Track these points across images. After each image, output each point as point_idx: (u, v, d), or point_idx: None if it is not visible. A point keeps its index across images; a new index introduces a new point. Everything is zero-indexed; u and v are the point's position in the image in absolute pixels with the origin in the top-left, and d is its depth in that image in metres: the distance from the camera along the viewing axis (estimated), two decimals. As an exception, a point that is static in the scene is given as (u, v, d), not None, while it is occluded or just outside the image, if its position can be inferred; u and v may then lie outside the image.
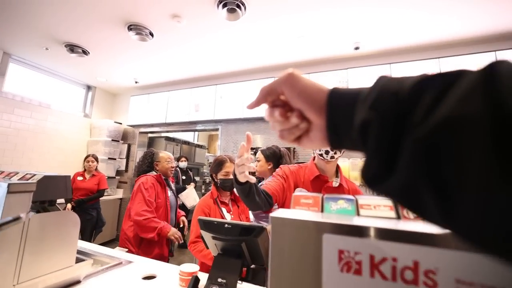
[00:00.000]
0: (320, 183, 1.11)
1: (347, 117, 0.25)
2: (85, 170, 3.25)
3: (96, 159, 3.31)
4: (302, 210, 0.42)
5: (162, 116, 4.07)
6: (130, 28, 2.63)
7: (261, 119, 3.51)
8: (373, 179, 0.21)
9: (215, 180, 1.61)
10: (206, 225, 0.87)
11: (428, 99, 0.18)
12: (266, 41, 2.89)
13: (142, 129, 4.50)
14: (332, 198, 0.42)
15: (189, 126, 4.05)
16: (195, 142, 5.89)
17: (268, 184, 1.10)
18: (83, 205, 2.96)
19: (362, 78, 2.92)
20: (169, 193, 2.09)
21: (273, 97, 0.33)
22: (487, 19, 2.35)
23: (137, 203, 1.81)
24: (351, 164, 2.72)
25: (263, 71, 3.60)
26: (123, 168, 4.53)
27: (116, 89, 4.80)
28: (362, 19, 2.41)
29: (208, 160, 5.75)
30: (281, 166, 1.21)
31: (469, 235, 0.15)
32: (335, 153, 1.04)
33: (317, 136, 0.30)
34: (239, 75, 3.76)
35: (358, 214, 0.39)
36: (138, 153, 4.51)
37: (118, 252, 1.39)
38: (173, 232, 1.82)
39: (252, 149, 3.44)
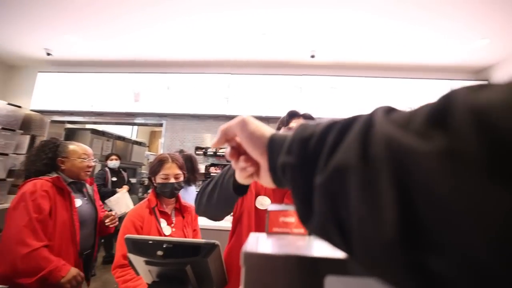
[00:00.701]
0: (282, 191, 1.02)
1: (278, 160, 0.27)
2: None
3: None
4: (284, 236, 0.33)
5: (87, 103, 3.30)
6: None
7: (212, 117, 3.27)
8: (301, 219, 0.23)
9: (154, 184, 1.33)
10: (136, 247, 0.67)
11: (328, 145, 0.20)
12: (226, 34, 2.70)
13: (57, 117, 3.54)
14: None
15: (125, 118, 3.42)
16: (133, 138, 5.04)
17: None
18: None
19: (315, 86, 3.08)
20: (80, 202, 1.45)
21: (230, 137, 0.36)
22: (436, 51, 2.84)
23: (15, 225, 1.19)
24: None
25: (220, 66, 3.36)
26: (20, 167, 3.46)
27: (14, 60, 3.62)
28: (319, 28, 2.53)
29: (148, 159, 5.02)
30: None
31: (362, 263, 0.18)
32: None
33: (266, 176, 0.31)
34: (192, 66, 3.41)
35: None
36: (47, 147, 3.54)
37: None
38: (71, 277, 1.21)
39: (201, 148, 3.17)
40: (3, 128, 3.31)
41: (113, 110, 3.26)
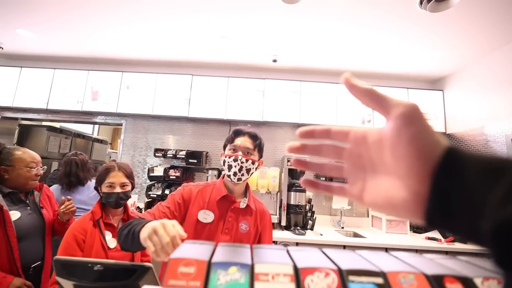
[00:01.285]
0: (226, 204, 1.05)
1: (475, 200, 0.18)
2: None
3: None
4: None
5: (43, 101, 3.15)
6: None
7: (173, 118, 3.21)
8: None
9: (100, 194, 1.29)
10: (65, 269, 0.64)
11: None
12: (186, 36, 2.66)
13: (8, 114, 3.36)
14: (222, 265, 0.32)
15: (83, 117, 3.29)
16: (94, 135, 4.86)
17: (154, 213, 0.96)
18: None
19: (277, 91, 3.08)
20: (18, 215, 1.30)
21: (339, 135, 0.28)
22: (396, 61, 2.91)
23: None
24: (260, 173, 2.80)
25: (181, 66, 3.31)
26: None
27: (-36, 53, 3.41)
28: (281, 33, 2.53)
29: (110, 157, 4.86)
30: (183, 184, 1.09)
31: None
32: (242, 175, 1.02)
33: (400, 209, 0.22)
34: (153, 66, 3.34)
35: (251, 288, 0.30)
36: (-3, 145, 3.34)
37: None
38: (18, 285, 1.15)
39: (160, 150, 3.10)
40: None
41: (70, 109, 3.12)
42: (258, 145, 1.06)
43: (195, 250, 0.36)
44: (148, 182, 3.03)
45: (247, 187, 1.13)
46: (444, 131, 3.07)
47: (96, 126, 5.34)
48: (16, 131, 3.52)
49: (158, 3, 2.17)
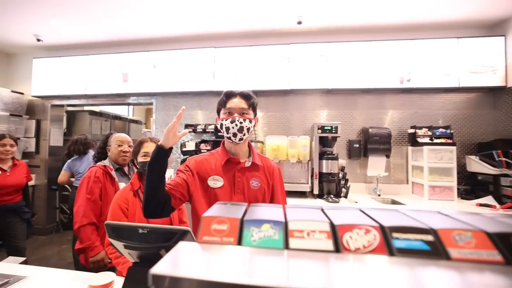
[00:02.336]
0: (232, 166, 1.07)
1: None
2: None
3: (15, 140, 2.31)
4: (211, 246, 0.30)
5: (81, 86, 3.38)
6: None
7: (200, 94, 3.24)
8: None
9: (136, 166, 1.39)
10: (115, 232, 0.70)
11: None
12: (207, 5, 2.55)
13: (56, 101, 3.69)
14: (255, 222, 0.31)
15: (117, 99, 3.48)
16: (130, 116, 5.18)
17: (171, 181, 1.02)
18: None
19: (304, 55, 2.90)
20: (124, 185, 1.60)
21: None
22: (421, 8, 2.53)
23: (76, 203, 1.52)
24: (289, 142, 2.75)
25: (202, 39, 3.25)
26: (32, 149, 3.71)
27: (10, 48, 3.73)
28: None
29: (146, 136, 5.20)
30: (188, 158, 1.14)
31: None
32: (243, 135, 1.03)
33: None
34: (176, 42, 3.32)
35: (287, 245, 0.29)
36: (52, 131, 3.73)
37: (9, 266, 1.09)
38: (98, 259, 1.43)
39: (190, 125, 3.19)
40: (11, 115, 3.53)
41: (105, 92, 3.31)
42: (252, 104, 1.06)
43: (227, 210, 0.36)
44: (182, 157, 3.19)
45: (249, 146, 1.13)
46: (505, 85, 2.65)
47: (131, 108, 5.66)
48: (64, 117, 3.88)
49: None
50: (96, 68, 3.34)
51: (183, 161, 3.10)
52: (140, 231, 0.69)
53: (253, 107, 1.07)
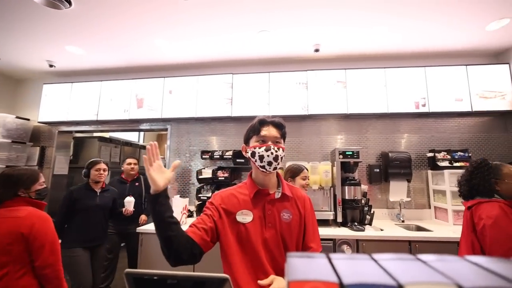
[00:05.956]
0: (261, 199, 1.01)
1: None
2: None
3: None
4: None
5: (92, 112, 3.30)
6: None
7: (216, 119, 3.21)
8: None
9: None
10: (139, 284, 0.61)
11: None
12: (224, 33, 2.60)
13: (64, 128, 3.58)
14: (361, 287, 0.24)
15: (129, 125, 3.41)
16: (140, 142, 5.07)
17: (195, 222, 0.95)
18: None
19: (321, 82, 2.95)
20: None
21: None
22: (427, 36, 2.65)
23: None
24: (311, 168, 2.71)
25: (221, 66, 3.28)
26: (34, 176, 3.53)
27: (20, 73, 3.67)
28: (323, 20, 2.38)
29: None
30: (213, 195, 1.08)
31: None
32: (278, 164, 0.98)
33: None
34: (193, 68, 3.34)
35: None
36: (57, 158, 3.58)
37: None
38: None
39: (207, 152, 3.12)
40: (13, 141, 3.38)
41: (117, 118, 3.25)
42: (284, 133, 1.03)
43: (311, 267, 0.28)
44: (198, 185, 3.09)
45: (278, 176, 1.08)
46: (513, 109, 2.75)
47: (142, 134, 5.57)
48: (71, 144, 3.75)
49: (199, 8, 2.15)
50: (109, 93, 3.30)
51: (199, 189, 3.00)
52: (169, 281, 0.60)
53: (284, 137, 1.04)
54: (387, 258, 0.29)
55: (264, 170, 0.98)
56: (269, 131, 0.99)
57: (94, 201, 2.24)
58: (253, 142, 1.01)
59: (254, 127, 1.02)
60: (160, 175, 0.87)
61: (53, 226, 1.36)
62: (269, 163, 0.96)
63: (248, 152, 1.02)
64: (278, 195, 1.02)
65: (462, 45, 2.84)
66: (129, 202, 2.48)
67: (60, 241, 1.39)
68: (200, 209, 2.85)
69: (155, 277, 0.62)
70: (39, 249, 1.27)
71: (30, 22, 2.41)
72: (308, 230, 1.04)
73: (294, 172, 1.96)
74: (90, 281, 2.16)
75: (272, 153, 0.96)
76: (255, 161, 0.98)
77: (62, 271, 1.35)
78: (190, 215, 2.90)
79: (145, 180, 2.87)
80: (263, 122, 1.01)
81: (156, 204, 0.85)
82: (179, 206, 2.62)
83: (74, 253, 2.09)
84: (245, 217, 0.96)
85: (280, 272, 0.92)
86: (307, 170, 2.00)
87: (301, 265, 0.27)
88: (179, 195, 2.94)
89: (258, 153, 0.97)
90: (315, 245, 1.03)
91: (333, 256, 0.30)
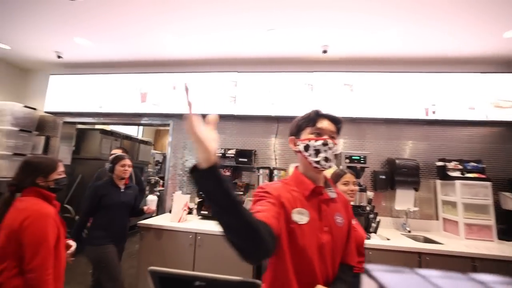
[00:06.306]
0: (316, 197, 0.88)
1: None
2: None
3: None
4: None
5: (96, 104, 3.31)
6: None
7: (222, 117, 3.15)
8: None
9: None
10: (164, 284, 0.55)
11: None
12: (232, 30, 2.57)
13: (68, 118, 3.59)
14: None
15: (132, 118, 3.40)
16: (139, 137, 5.07)
17: (258, 209, 0.78)
18: None
19: (327, 84, 2.88)
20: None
21: None
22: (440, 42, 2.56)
23: None
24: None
25: (226, 63, 3.24)
26: (37, 166, 3.54)
27: (28, 63, 3.71)
28: (332, 21, 2.32)
29: (154, 158, 5.03)
30: (260, 185, 0.91)
31: None
32: (332, 160, 0.86)
33: None
34: (198, 65, 3.31)
35: None
36: (61, 148, 3.58)
37: None
38: None
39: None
40: (20, 130, 3.41)
41: (120, 111, 3.24)
42: (339, 129, 0.92)
43: (411, 285, 0.22)
44: (198, 182, 3.02)
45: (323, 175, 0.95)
46: (529, 120, 2.61)
47: (140, 129, 5.57)
48: (74, 135, 3.76)
49: (207, 3, 2.12)
50: (114, 86, 3.30)
51: (198, 186, 2.93)
52: (197, 283, 0.54)
53: (339, 133, 0.92)
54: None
55: (319, 166, 0.85)
56: (325, 124, 0.88)
57: (119, 198, 2.16)
58: (306, 134, 0.89)
59: (309, 117, 0.90)
60: (210, 135, 0.59)
61: (49, 224, 1.21)
62: (326, 159, 0.84)
63: (299, 145, 0.89)
64: (333, 195, 0.90)
65: (477, 52, 2.73)
66: (152, 201, 2.42)
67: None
68: (201, 206, 2.77)
69: (183, 278, 0.57)
70: (25, 248, 1.13)
71: (42, 12, 2.43)
72: (349, 239, 0.93)
73: (335, 178, 1.74)
74: (122, 276, 2.11)
75: (330, 148, 0.85)
76: (309, 155, 0.86)
77: (51, 283, 1.15)
78: (189, 212, 2.85)
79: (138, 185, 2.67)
80: (320, 114, 0.90)
81: (221, 180, 0.58)
82: (181, 202, 2.58)
83: (107, 249, 2.04)
84: (302, 216, 0.83)
85: (326, 284, 0.81)
86: (352, 174, 1.71)
87: (399, 282, 0.22)
88: (180, 192, 2.89)
89: (314, 146, 0.85)
90: (354, 257, 0.93)
91: (423, 272, 0.24)
